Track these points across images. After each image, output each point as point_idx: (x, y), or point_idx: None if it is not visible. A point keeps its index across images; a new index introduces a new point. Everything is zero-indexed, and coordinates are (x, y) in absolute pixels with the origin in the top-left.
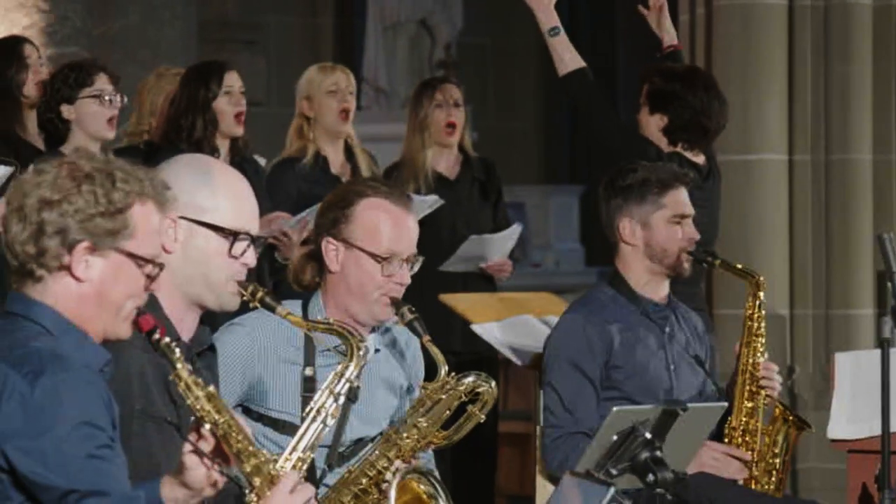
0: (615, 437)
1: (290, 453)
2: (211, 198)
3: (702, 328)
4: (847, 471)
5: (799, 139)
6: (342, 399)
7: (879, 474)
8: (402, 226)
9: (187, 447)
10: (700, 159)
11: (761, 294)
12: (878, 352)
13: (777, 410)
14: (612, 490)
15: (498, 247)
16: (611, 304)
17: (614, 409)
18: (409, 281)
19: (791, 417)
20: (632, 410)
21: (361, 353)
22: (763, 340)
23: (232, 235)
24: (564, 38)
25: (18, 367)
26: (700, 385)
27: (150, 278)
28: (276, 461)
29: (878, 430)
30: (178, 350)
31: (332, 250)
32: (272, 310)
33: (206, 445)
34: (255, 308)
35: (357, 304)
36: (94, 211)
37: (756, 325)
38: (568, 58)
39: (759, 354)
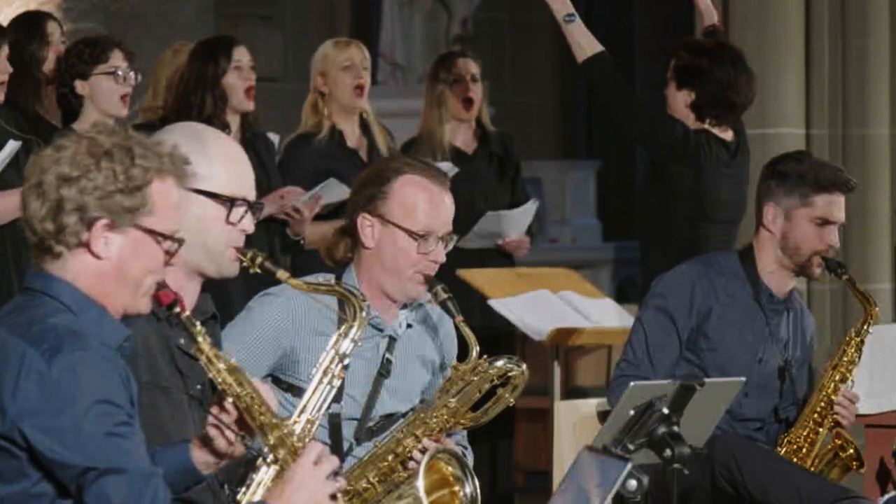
0: (632, 412)
1: (299, 415)
2: (207, 165)
3: (810, 338)
4: (864, 445)
5: (816, 114)
6: (347, 360)
7: None
8: (439, 203)
9: (210, 419)
10: (728, 135)
11: (871, 324)
12: (895, 326)
13: (836, 441)
14: (629, 465)
15: (515, 223)
16: (730, 274)
17: (631, 383)
18: (443, 259)
19: (845, 455)
20: (649, 385)
21: (364, 314)
22: (854, 369)
23: (229, 202)
24: (580, 24)
25: (36, 345)
26: (783, 388)
27: (170, 254)
28: (299, 432)
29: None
30: (198, 323)
31: (367, 226)
32: (272, 274)
33: (229, 418)
34: (256, 273)
35: (390, 280)
36: (113, 188)
37: (853, 351)
38: (586, 43)
39: (844, 381)
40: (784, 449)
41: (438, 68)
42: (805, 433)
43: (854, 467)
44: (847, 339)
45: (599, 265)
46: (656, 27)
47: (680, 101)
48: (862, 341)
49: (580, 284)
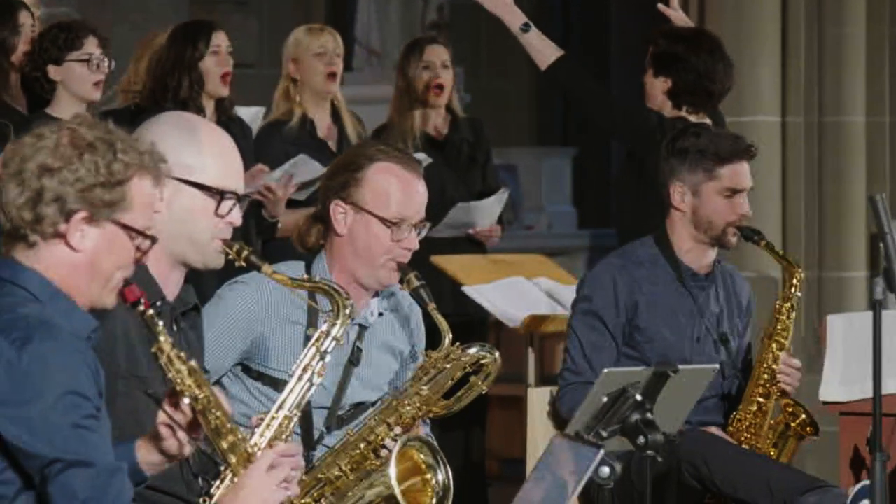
0: (605, 399)
1: (277, 411)
2: (197, 156)
3: (746, 301)
4: (839, 433)
5: (792, 101)
6: (328, 357)
7: (871, 436)
8: (413, 191)
9: (162, 417)
10: (706, 123)
11: (797, 287)
12: (870, 314)
13: (787, 410)
14: (601, 452)
15: (485, 213)
16: (649, 263)
17: (605, 370)
18: (416, 246)
19: (795, 424)
20: (622, 372)
21: (347, 311)
22: (789, 335)
23: (219, 194)
24: (537, 31)
25: (6, 333)
26: (722, 362)
27: (142, 251)
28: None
29: (869, 393)
30: (160, 323)
31: (340, 213)
32: (258, 268)
33: (182, 418)
34: (241, 267)
35: (363, 268)
36: (94, 181)
37: (786, 318)
38: (546, 49)
39: (782, 349)
40: (735, 428)
41: (409, 55)
42: (753, 409)
43: (808, 433)
44: (777, 306)
45: (575, 252)
46: (634, 14)
47: (657, 89)
48: (792, 306)
49: (554, 271)
